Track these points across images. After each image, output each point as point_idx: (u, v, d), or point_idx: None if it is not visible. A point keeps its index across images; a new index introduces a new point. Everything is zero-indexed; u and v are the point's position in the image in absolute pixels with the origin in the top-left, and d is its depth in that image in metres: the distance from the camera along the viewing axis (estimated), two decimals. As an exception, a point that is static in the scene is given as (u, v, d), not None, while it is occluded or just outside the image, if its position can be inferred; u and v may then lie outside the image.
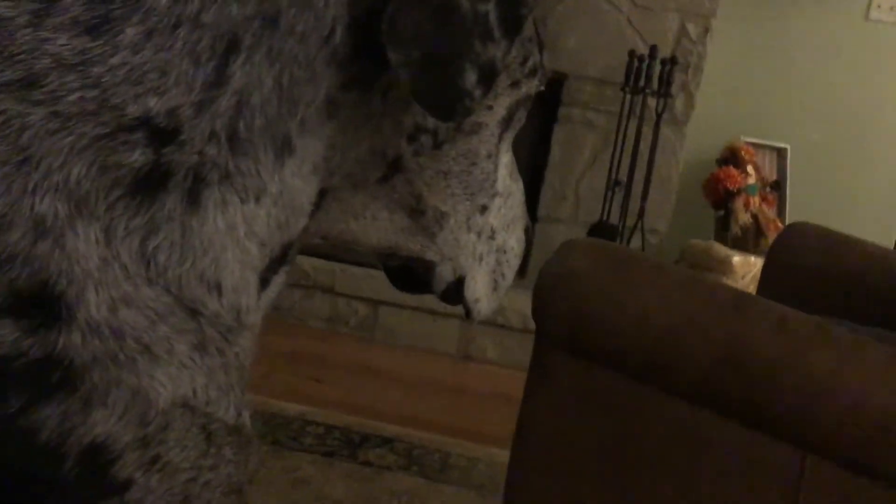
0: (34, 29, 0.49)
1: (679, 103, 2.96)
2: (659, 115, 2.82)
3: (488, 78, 0.59)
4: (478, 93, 0.58)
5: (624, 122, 2.85)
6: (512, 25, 0.60)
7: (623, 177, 2.89)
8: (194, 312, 0.52)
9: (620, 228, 2.89)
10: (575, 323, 1.11)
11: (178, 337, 0.51)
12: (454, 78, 0.57)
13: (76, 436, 0.47)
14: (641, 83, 2.80)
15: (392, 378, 2.64)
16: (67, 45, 0.49)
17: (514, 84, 0.71)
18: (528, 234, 0.85)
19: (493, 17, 0.58)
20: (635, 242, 2.91)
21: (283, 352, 2.63)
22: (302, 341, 2.77)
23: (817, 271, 1.76)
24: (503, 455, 1.25)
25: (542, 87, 0.75)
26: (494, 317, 2.86)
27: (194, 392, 0.52)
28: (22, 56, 0.48)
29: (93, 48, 0.50)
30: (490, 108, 0.70)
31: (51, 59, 0.49)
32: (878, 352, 0.98)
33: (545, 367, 1.17)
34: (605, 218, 2.93)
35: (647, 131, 2.85)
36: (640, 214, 2.90)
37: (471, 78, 0.57)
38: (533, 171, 3.09)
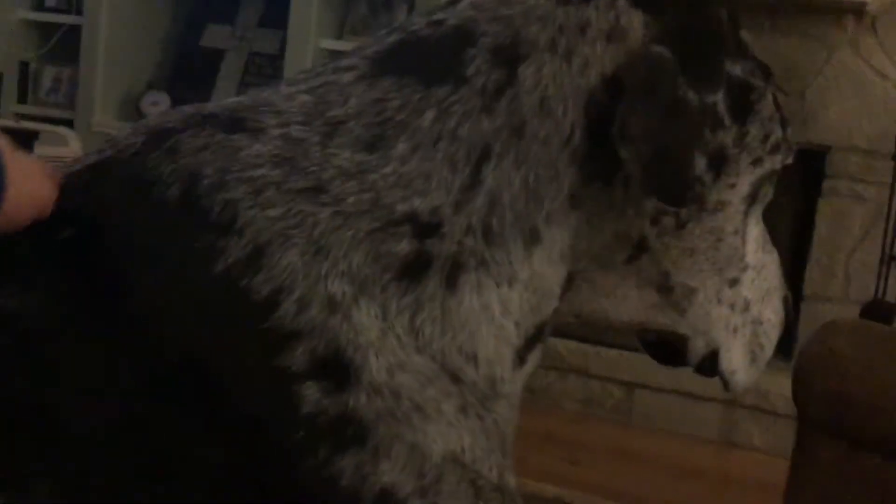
0: (323, 147, 0.60)
1: (960, 170, 2.72)
2: (937, 184, 2.62)
3: (719, 163, 0.62)
4: (708, 178, 0.62)
5: (896, 194, 2.67)
6: (742, 110, 0.63)
7: (898, 251, 2.69)
8: (456, 379, 0.59)
9: (898, 307, 2.68)
10: (837, 405, 1.06)
11: (445, 399, 0.59)
12: (683, 167, 0.61)
13: (369, 483, 0.56)
14: (915, 152, 2.62)
15: (651, 463, 2.58)
16: (349, 158, 0.60)
17: (757, 161, 0.72)
18: (787, 304, 0.84)
19: (721, 107, 0.62)
20: (916, 322, 2.68)
21: (537, 433, 2.66)
22: (556, 423, 2.79)
23: None
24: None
25: (790, 161, 0.76)
26: (759, 401, 2.72)
27: (462, 449, 0.59)
28: (313, 168, 0.59)
29: (369, 160, 0.61)
30: (733, 185, 0.71)
31: (335, 170, 0.60)
32: None
33: (808, 452, 1.12)
34: (880, 295, 2.73)
35: (924, 202, 2.65)
36: (921, 291, 2.67)
37: (700, 165, 0.61)
38: (797, 249, 2.96)
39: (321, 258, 0.58)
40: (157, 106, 3.31)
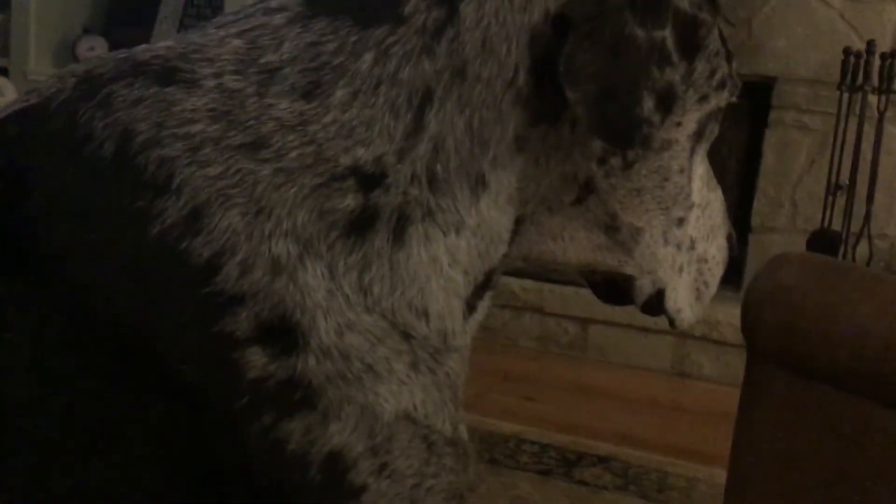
0: (259, 98, 0.57)
1: (904, 98, 2.76)
2: (882, 113, 2.65)
3: (667, 102, 0.61)
4: (657, 118, 0.60)
5: (842, 123, 2.69)
6: (690, 46, 0.61)
7: (844, 180, 2.73)
8: (407, 335, 0.58)
9: (844, 235, 2.73)
10: (787, 338, 1.08)
11: (396, 357, 0.58)
12: (631, 107, 0.59)
13: (318, 446, 0.55)
14: (859, 80, 2.64)
15: (605, 396, 2.63)
16: (287, 108, 0.57)
17: (703, 98, 0.71)
18: (731, 241, 0.84)
19: (669, 43, 0.60)
20: (862, 249, 2.74)
21: (495, 371, 2.68)
22: (513, 361, 2.82)
23: None
24: (723, 475, 1.23)
25: (735, 99, 0.75)
26: (709, 332, 2.77)
27: (414, 406, 0.59)
28: (251, 122, 0.56)
29: (308, 110, 0.58)
30: (679, 124, 0.70)
31: (275, 123, 0.57)
32: None
33: (758, 384, 1.14)
34: (826, 225, 2.77)
35: (869, 130, 2.68)
36: (866, 219, 2.72)
37: (648, 105, 0.60)
38: (744, 180, 2.99)
39: (264, 218, 0.56)
40: (94, 51, 3.21)
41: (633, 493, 2.14)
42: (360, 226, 0.58)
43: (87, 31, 3.25)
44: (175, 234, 0.54)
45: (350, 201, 0.58)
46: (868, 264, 2.74)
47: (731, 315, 2.66)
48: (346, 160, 0.58)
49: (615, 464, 2.19)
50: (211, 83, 0.58)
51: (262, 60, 0.59)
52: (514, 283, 2.92)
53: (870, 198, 2.71)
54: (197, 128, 0.56)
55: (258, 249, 0.55)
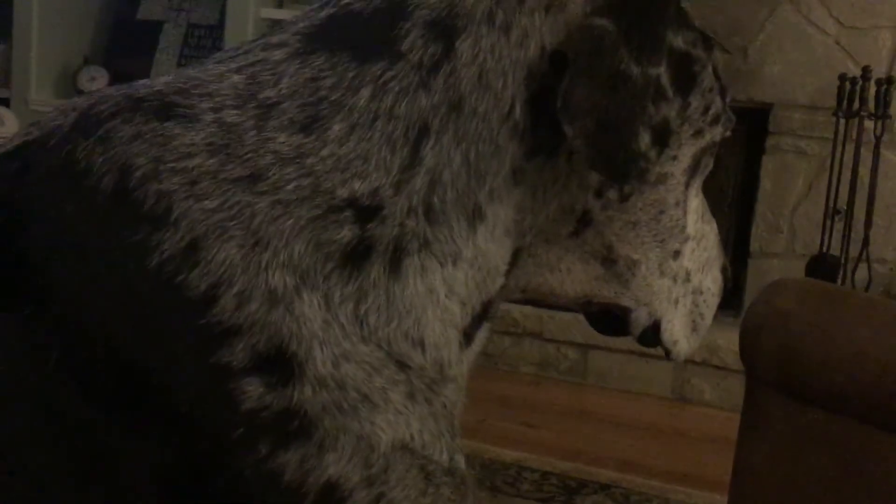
0: (258, 132, 0.58)
1: (900, 123, 2.77)
2: (878, 138, 2.66)
3: (663, 137, 0.62)
4: (652, 153, 0.61)
5: (839, 148, 2.71)
6: (685, 83, 0.63)
7: (842, 205, 2.74)
8: (403, 366, 0.59)
9: (843, 260, 2.74)
10: (785, 363, 1.08)
11: (392, 387, 0.58)
12: (628, 143, 0.60)
13: (314, 476, 0.55)
14: (856, 106, 2.66)
15: (606, 422, 2.62)
16: (285, 142, 0.58)
17: (698, 133, 0.72)
18: (726, 272, 0.85)
19: (665, 79, 0.61)
20: (861, 273, 2.74)
21: (495, 398, 2.68)
22: (513, 387, 2.82)
23: None
24: (724, 501, 1.22)
25: (729, 134, 0.76)
26: (709, 357, 2.77)
27: (411, 436, 0.59)
28: (249, 155, 0.57)
29: (306, 143, 0.59)
30: (674, 158, 0.71)
31: (272, 156, 0.58)
32: None
33: (758, 409, 1.14)
34: (825, 249, 2.78)
35: (866, 155, 2.69)
36: (865, 244, 2.72)
37: (644, 140, 0.61)
38: (743, 206, 3.00)
39: (261, 250, 0.56)
40: (96, 81, 3.23)
41: (635, 519, 2.13)
42: (356, 257, 0.58)
43: (87, 61, 3.27)
44: (172, 267, 0.55)
45: (347, 233, 0.58)
46: (867, 289, 2.74)
47: (730, 340, 2.66)
48: (342, 192, 0.59)
49: (616, 491, 2.18)
50: (209, 118, 0.59)
51: (261, 95, 0.60)
52: (514, 309, 2.92)
53: (868, 223, 2.71)
54: (195, 162, 0.57)
55: (255, 281, 0.55)
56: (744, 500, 1.17)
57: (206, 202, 0.56)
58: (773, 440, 1.14)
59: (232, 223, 0.56)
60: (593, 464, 2.28)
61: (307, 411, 0.55)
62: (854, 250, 2.74)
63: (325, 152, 0.59)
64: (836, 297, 1.11)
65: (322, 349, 0.56)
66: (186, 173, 0.57)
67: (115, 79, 3.05)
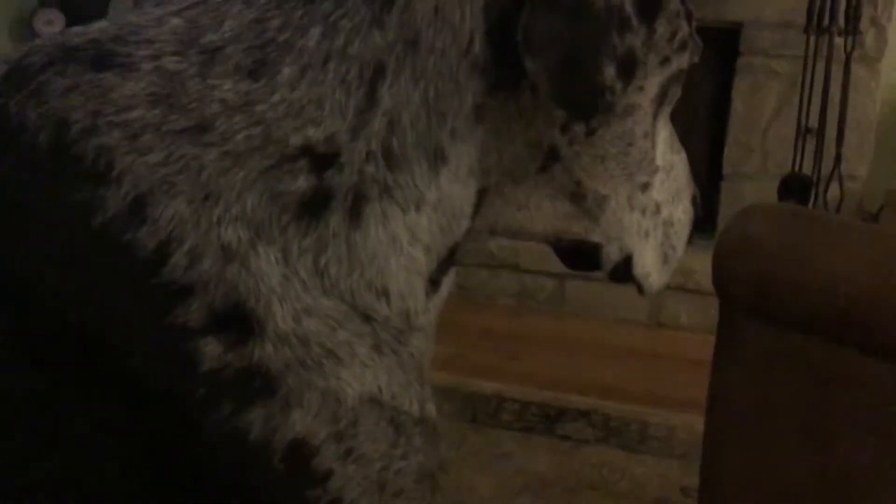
0: (202, 79, 0.55)
1: (870, 38, 2.76)
2: (848, 55, 2.65)
3: (629, 68, 0.59)
4: (618, 86, 0.59)
5: (810, 66, 2.69)
6: (650, 9, 0.60)
7: (814, 123, 2.73)
8: (367, 318, 0.57)
9: (815, 178, 2.74)
10: (758, 287, 1.08)
11: (357, 340, 0.57)
12: (593, 76, 0.58)
13: (280, 434, 0.54)
14: (826, 22, 2.63)
15: (585, 350, 2.65)
16: (232, 89, 0.55)
17: (665, 61, 0.70)
18: (696, 203, 0.84)
19: (628, 7, 0.59)
20: (833, 191, 2.75)
21: (474, 331, 2.69)
22: (492, 319, 2.83)
23: None
24: (702, 422, 1.24)
25: (697, 60, 0.74)
26: (685, 281, 2.79)
27: (379, 388, 0.57)
28: (194, 105, 0.55)
29: (254, 90, 0.56)
30: (641, 88, 0.69)
31: (219, 105, 0.55)
32: None
33: (731, 334, 1.15)
34: (797, 169, 2.78)
35: (837, 72, 2.68)
36: (836, 161, 2.73)
37: (610, 72, 0.58)
38: (715, 128, 2.98)
39: (211, 204, 0.54)
40: (52, 25, 3.14)
41: (615, 444, 2.16)
42: (314, 207, 0.56)
43: (43, 3, 3.18)
44: (118, 226, 0.52)
45: (302, 183, 0.56)
46: (839, 206, 2.75)
47: (705, 264, 2.66)
48: (296, 140, 0.56)
49: (596, 417, 2.21)
50: (149, 66, 0.56)
51: (204, 40, 0.57)
52: (491, 242, 2.92)
53: (839, 140, 2.71)
54: (135, 114, 0.54)
55: (207, 237, 0.53)
56: (720, 422, 1.19)
57: (150, 156, 0.54)
58: (747, 364, 1.15)
59: (179, 177, 0.54)
60: (573, 391, 2.31)
61: (269, 369, 0.53)
62: (826, 168, 2.74)
63: (275, 98, 0.56)
64: (808, 219, 1.10)
65: (282, 305, 0.54)
66: (127, 126, 0.54)
67: (72, 22, 2.96)
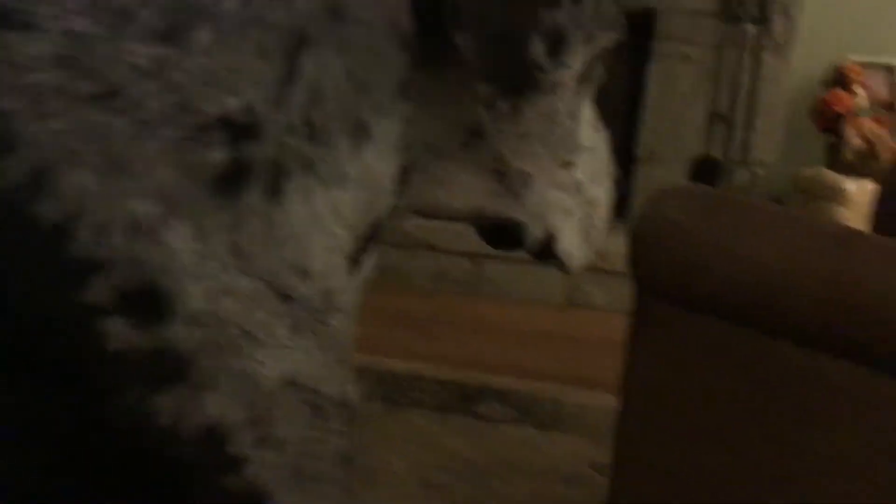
0: (112, 42, 0.52)
1: (779, 27, 2.83)
2: (758, 42, 2.72)
3: (556, 45, 0.59)
4: (546, 62, 0.58)
5: (722, 53, 2.75)
6: None
7: (725, 109, 2.80)
8: (287, 297, 0.55)
9: (725, 163, 2.81)
10: (672, 270, 1.10)
11: (276, 321, 0.54)
12: (520, 52, 0.57)
13: (192, 419, 0.51)
14: (737, 11, 2.69)
15: (501, 331, 2.66)
16: (145, 54, 0.52)
17: (590, 39, 0.70)
18: (617, 182, 0.84)
19: None
20: (742, 177, 2.83)
21: (390, 311, 2.68)
22: (408, 300, 2.82)
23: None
24: (615, 401, 1.26)
25: (621, 37, 0.74)
26: (599, 262, 2.83)
27: (298, 371, 0.55)
28: (103, 69, 0.51)
29: (169, 55, 0.53)
30: (567, 66, 0.69)
31: (130, 70, 0.52)
32: None
33: (645, 316, 1.17)
34: (708, 154, 2.85)
35: (748, 60, 2.75)
36: (745, 147, 2.80)
37: (538, 49, 0.58)
38: (629, 112, 3.03)
39: (120, 176, 0.51)
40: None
41: (530, 424, 2.19)
42: (231, 181, 0.53)
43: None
44: (20, 197, 0.49)
45: (219, 155, 0.53)
46: (748, 191, 2.83)
47: (620, 245, 2.72)
48: (213, 110, 0.53)
49: (512, 396, 2.23)
50: (55, 26, 0.52)
51: (115, 1, 0.54)
52: (407, 222, 2.90)
53: (748, 126, 2.79)
54: (40, 77, 0.51)
55: (115, 211, 0.50)
56: (633, 405, 1.20)
57: (55, 123, 0.50)
58: (660, 346, 1.16)
59: (86, 146, 0.50)
60: (489, 372, 2.32)
61: (181, 351, 0.51)
62: (735, 154, 2.82)
63: (190, 65, 0.53)
64: (719, 202, 1.12)
65: (195, 283, 0.51)
66: (30, 90, 0.50)
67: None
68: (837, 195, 2.75)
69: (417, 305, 2.80)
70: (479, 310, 2.81)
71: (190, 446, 0.52)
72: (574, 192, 0.77)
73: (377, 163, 0.60)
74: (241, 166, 0.54)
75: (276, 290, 0.55)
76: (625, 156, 3.04)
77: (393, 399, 2.26)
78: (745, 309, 1.05)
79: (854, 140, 2.85)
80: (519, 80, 0.59)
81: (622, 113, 3.08)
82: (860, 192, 2.73)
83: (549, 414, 2.20)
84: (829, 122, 2.88)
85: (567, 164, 0.74)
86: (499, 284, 2.92)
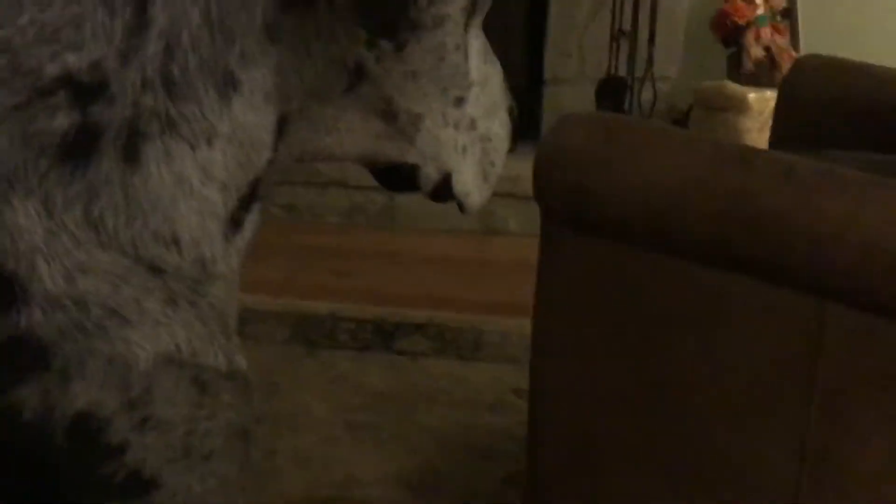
0: None
1: (677, -60, 2.82)
2: (657, -44, 2.70)
3: None
4: (423, 1, 0.55)
5: (621, -32, 2.73)
6: None
7: (627, 26, 2.79)
8: (156, 270, 0.51)
9: (630, 80, 2.82)
10: (576, 198, 1.10)
11: (146, 296, 0.51)
12: None
13: (60, 410, 0.48)
14: (635, -76, 2.67)
15: (417, 263, 2.65)
16: None
17: None
18: (513, 114, 0.82)
19: None
20: (646, 93, 2.84)
21: (304, 250, 2.64)
22: (322, 238, 2.78)
23: (831, 102, 1.70)
24: (532, 328, 1.26)
25: None
26: (512, 187, 2.83)
27: (177, 347, 0.52)
28: None
29: None
30: None
31: None
32: (892, 190, 0.95)
33: (552, 243, 1.17)
34: (612, 72, 2.85)
35: (647, -26, 2.73)
36: (649, 63, 2.81)
37: None
38: (533, 33, 3.00)
39: None
40: None
41: (451, 355, 2.20)
42: (79, 148, 0.49)
43: None
44: None
45: (63, 120, 0.48)
46: (652, 107, 2.85)
47: (529, 169, 2.72)
48: (52, 70, 0.48)
49: (431, 329, 2.23)
50: None
51: None
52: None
53: (651, 42, 2.79)
54: None
55: None
56: (545, 330, 1.21)
57: None
58: (567, 272, 1.17)
59: None
60: (407, 305, 2.31)
61: (40, 338, 0.47)
62: (640, 70, 2.82)
63: (22, 21, 0.48)
64: (622, 128, 1.12)
65: (49, 264, 0.47)
66: None
67: None
68: (740, 106, 2.78)
69: (332, 243, 2.77)
70: (394, 243, 2.79)
71: (61, 438, 0.48)
72: (467, 128, 0.74)
73: (249, 115, 0.56)
74: (90, 131, 0.49)
75: (143, 264, 0.51)
76: (532, 78, 3.02)
77: (311, 341, 2.24)
78: (646, 231, 1.06)
79: (754, 50, 2.88)
80: (395, 21, 0.55)
81: (527, 35, 3.05)
82: (762, 102, 2.77)
83: (470, 344, 2.21)
84: (730, 32, 2.90)
85: (458, 101, 0.72)
86: (413, 216, 2.89)
